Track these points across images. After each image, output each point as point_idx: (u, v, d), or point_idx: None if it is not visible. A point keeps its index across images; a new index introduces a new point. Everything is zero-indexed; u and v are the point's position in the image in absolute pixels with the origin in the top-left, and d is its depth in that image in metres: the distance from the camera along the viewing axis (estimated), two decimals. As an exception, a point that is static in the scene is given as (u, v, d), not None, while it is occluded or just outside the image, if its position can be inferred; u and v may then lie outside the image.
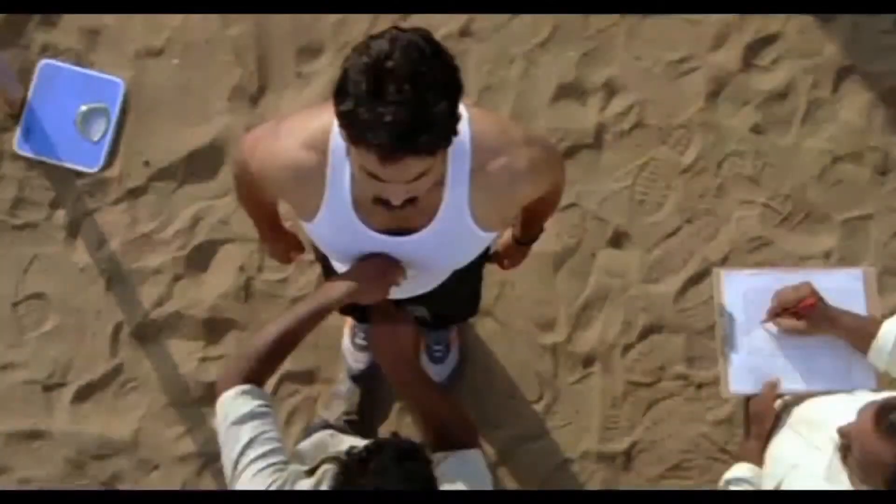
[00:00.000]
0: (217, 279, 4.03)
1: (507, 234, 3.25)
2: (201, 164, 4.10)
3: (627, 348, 3.99)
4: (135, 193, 4.08)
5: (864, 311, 3.02)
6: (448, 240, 2.62)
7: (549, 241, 4.04)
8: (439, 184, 2.50)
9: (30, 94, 4.11)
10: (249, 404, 2.57)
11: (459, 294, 3.22)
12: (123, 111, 4.13)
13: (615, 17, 4.18)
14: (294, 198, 2.63)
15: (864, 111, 4.15)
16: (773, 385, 2.98)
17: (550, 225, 4.03)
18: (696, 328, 3.99)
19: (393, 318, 2.71)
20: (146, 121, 4.13)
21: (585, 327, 4.01)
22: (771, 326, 3.01)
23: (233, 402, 2.58)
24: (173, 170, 4.09)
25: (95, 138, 4.11)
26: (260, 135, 2.67)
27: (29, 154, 4.09)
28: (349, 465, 2.40)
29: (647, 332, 4.00)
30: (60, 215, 4.06)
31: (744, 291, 3.05)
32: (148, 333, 3.99)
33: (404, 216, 2.53)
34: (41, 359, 3.98)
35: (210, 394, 3.91)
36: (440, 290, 3.00)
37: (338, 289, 2.66)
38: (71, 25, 4.17)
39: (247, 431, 2.54)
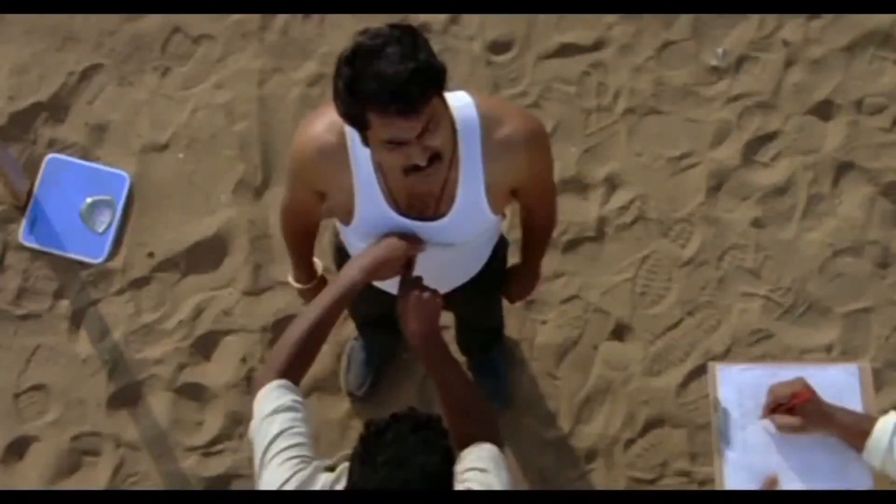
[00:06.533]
0: (219, 369, 4.04)
1: (515, 261, 3.39)
2: (204, 255, 4.13)
3: (629, 443, 3.97)
4: (138, 284, 4.11)
5: (860, 407, 3.01)
6: (466, 219, 2.84)
7: (550, 333, 4.05)
8: (454, 166, 2.73)
9: (36, 186, 4.17)
10: (281, 399, 2.63)
11: (479, 301, 3.46)
12: (128, 203, 4.17)
13: (616, 115, 4.25)
14: (326, 178, 2.81)
15: (864, 206, 4.18)
16: (772, 481, 2.97)
17: (553, 318, 4.06)
18: (698, 422, 3.97)
19: (421, 287, 2.77)
20: (151, 213, 4.17)
21: (587, 421, 4.00)
22: (767, 423, 3.00)
23: (266, 397, 2.64)
24: (176, 261, 4.13)
25: (100, 230, 4.15)
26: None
27: (34, 245, 4.12)
28: (367, 437, 2.43)
29: (649, 427, 3.98)
30: (64, 305, 4.08)
31: (738, 386, 3.05)
32: (149, 428, 3.99)
33: (431, 193, 2.77)
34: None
35: (210, 487, 3.92)
36: (460, 296, 3.19)
37: (356, 266, 2.77)
38: (78, 121, 4.24)
39: (277, 423, 2.60)
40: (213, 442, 3.97)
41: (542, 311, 4.09)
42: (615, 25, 4.34)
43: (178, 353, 4.05)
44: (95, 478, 3.95)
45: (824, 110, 4.28)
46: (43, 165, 4.19)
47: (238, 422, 3.97)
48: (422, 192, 2.79)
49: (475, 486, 2.55)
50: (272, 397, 2.65)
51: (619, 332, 4.07)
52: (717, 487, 3.01)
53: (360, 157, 2.77)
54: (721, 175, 4.21)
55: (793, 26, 4.34)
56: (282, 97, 4.28)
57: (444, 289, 2.96)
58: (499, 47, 4.34)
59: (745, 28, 4.34)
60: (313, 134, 2.80)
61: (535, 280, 3.42)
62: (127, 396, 4.01)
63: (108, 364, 4.03)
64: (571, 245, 4.14)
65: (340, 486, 2.55)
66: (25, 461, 3.96)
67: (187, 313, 4.08)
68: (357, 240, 2.94)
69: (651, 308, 4.09)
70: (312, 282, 3.33)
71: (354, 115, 2.60)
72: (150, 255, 4.14)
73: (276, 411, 2.62)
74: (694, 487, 3.93)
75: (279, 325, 4.03)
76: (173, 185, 4.20)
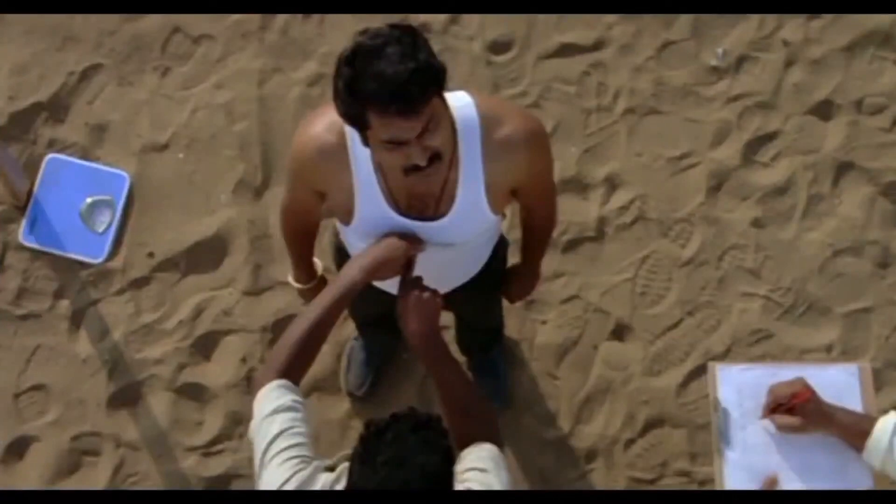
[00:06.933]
0: (219, 369, 4.04)
1: (515, 261, 3.39)
2: (204, 255, 4.13)
3: (629, 443, 3.97)
4: (138, 284, 4.11)
5: (860, 407, 3.01)
6: (466, 219, 2.84)
7: (550, 333, 4.05)
8: (454, 166, 2.73)
9: (36, 186, 4.17)
10: (281, 399, 2.63)
11: (479, 301, 3.47)
12: (128, 203, 4.17)
13: (616, 115, 4.25)
14: (326, 178, 2.81)
15: (864, 206, 4.18)
16: (772, 481, 2.97)
17: (553, 318, 4.06)
18: (698, 422, 3.97)
19: (421, 287, 2.77)
20: (151, 213, 4.17)
21: (587, 421, 4.00)
22: (767, 423, 3.00)
23: (266, 397, 2.64)
24: (176, 261, 4.13)
25: (100, 230, 4.15)
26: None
27: (34, 245, 4.13)
28: (367, 437, 2.43)
29: (649, 427, 3.99)
30: (64, 305, 4.08)
31: (738, 386, 3.05)
32: (149, 428, 3.99)
33: (431, 193, 2.77)
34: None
35: (210, 487, 3.92)
36: (460, 296, 3.20)
37: (356, 266, 2.77)
38: (78, 121, 4.24)
39: (277, 423, 2.60)
40: (213, 442, 3.97)
41: (542, 311, 4.09)
42: (615, 25, 4.34)
43: (178, 353, 4.05)
44: (95, 478, 3.95)
45: (824, 110, 4.28)
46: (43, 165, 4.20)
47: (238, 422, 3.97)
48: (422, 192, 2.80)
49: (475, 486, 2.55)
50: (272, 397, 2.65)
51: (619, 332, 4.08)
52: (717, 487, 3.02)
53: (360, 157, 2.77)
54: (721, 175, 4.21)
55: (793, 26, 4.34)
56: (282, 97, 4.28)
57: (444, 289, 2.96)
58: (499, 47, 4.34)
59: (745, 28, 4.34)
60: (313, 134, 2.80)
61: (535, 280, 3.42)
62: (127, 396, 4.01)
63: (108, 364, 4.03)
64: (571, 245, 4.14)
65: (340, 486, 2.55)
66: (25, 461, 3.96)
67: (187, 313, 4.08)
68: (357, 240, 2.94)
69: (651, 308, 4.10)
70: (312, 282, 3.33)
71: (354, 115, 2.60)
72: (150, 255, 4.14)
73: (276, 411, 2.63)
74: (694, 487, 3.93)
75: (279, 325, 4.04)
76: (173, 185, 4.20)
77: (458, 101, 2.76)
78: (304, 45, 4.34)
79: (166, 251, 4.14)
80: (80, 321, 4.07)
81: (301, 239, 3.19)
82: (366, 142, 2.67)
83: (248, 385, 4.00)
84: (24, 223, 4.15)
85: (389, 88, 2.53)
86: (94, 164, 4.21)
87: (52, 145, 4.22)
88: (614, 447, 3.97)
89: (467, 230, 2.90)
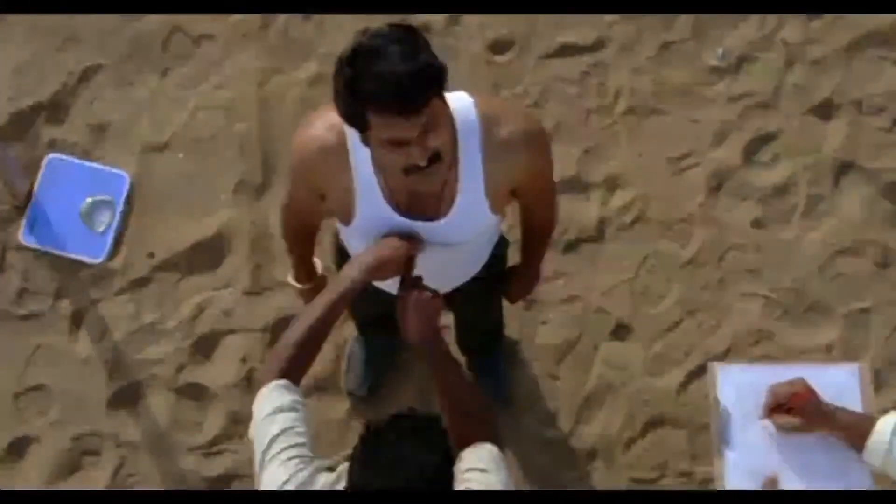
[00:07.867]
0: (219, 369, 4.04)
1: (515, 261, 3.40)
2: (205, 255, 4.14)
3: (629, 443, 3.98)
4: (138, 284, 4.11)
5: (860, 407, 3.01)
6: (466, 219, 2.84)
7: (551, 333, 4.05)
8: (454, 166, 2.73)
9: (36, 186, 4.17)
10: (281, 399, 2.63)
11: (479, 301, 3.48)
12: (129, 203, 4.18)
13: (616, 115, 4.25)
14: (326, 178, 2.81)
15: (864, 206, 4.18)
16: (772, 481, 2.98)
17: (553, 318, 4.07)
18: (698, 423, 3.97)
19: (421, 287, 2.77)
20: (151, 213, 4.18)
21: (587, 421, 4.00)
22: (767, 423, 3.00)
23: (266, 397, 2.64)
24: (177, 261, 4.13)
25: (100, 230, 4.16)
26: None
27: (34, 245, 4.13)
28: (367, 437, 2.43)
29: (649, 427, 3.99)
30: (64, 305, 4.09)
31: (738, 386, 3.05)
32: (149, 428, 3.99)
33: (431, 193, 2.77)
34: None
35: (210, 487, 3.92)
36: (460, 296, 3.20)
37: (356, 266, 2.77)
38: (78, 121, 4.24)
39: (278, 423, 2.61)
40: (213, 442, 3.98)
41: (542, 311, 4.09)
42: (615, 25, 4.34)
43: (178, 353, 4.05)
44: (95, 478, 3.95)
45: (824, 110, 4.28)
46: (43, 165, 4.20)
47: (238, 422, 3.98)
48: (422, 192, 2.80)
49: (475, 486, 2.55)
50: (272, 397, 2.65)
51: (619, 332, 4.08)
52: (717, 487, 3.02)
53: (360, 157, 2.77)
54: (721, 175, 4.21)
55: (793, 26, 4.35)
56: (282, 97, 4.28)
57: (444, 289, 2.96)
58: (499, 47, 4.34)
59: (745, 28, 4.35)
60: (314, 134, 2.81)
61: (535, 280, 3.42)
62: (127, 396, 4.02)
63: (109, 364, 4.04)
64: (571, 245, 4.15)
65: (340, 487, 2.55)
66: (25, 461, 3.96)
67: (187, 313, 4.08)
68: (357, 240, 2.94)
69: (651, 308, 4.10)
70: (312, 282, 3.33)
71: (354, 115, 2.60)
72: (150, 255, 4.14)
73: (276, 411, 2.63)
74: (694, 487, 3.93)
75: (279, 325, 4.04)
76: (173, 185, 4.20)
77: (458, 101, 2.76)
78: (304, 45, 4.34)
79: (166, 251, 4.14)
80: (81, 321, 4.08)
81: (301, 239, 3.19)
82: (366, 142, 2.67)
83: (249, 385, 4.00)
84: (24, 223, 4.15)
85: (389, 88, 2.53)
86: (94, 164, 4.21)
87: (52, 145, 4.23)
88: (614, 447, 3.97)
89: (467, 230, 2.90)
